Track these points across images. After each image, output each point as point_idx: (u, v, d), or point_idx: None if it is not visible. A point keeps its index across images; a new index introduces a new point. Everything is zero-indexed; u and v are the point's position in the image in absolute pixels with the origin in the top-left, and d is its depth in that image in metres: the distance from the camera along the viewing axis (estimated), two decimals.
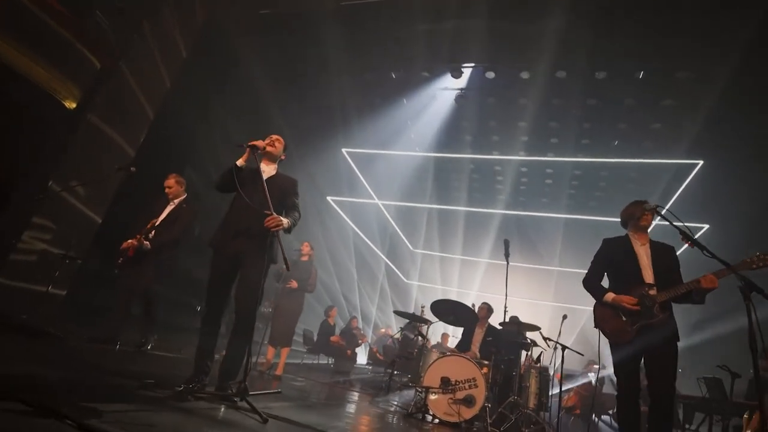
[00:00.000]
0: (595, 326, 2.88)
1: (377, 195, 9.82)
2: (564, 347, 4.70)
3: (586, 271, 3.07)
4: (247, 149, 2.97)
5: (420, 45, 7.42)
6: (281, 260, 2.91)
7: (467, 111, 8.77)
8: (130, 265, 4.00)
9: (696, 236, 7.11)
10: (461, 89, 8.49)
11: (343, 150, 8.71)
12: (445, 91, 8.69)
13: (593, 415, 7.33)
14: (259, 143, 3.01)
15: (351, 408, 4.17)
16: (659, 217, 2.96)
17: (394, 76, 8.30)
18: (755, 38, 5.25)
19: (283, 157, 3.22)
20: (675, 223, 2.59)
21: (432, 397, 4.25)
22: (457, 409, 4.10)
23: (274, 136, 3.17)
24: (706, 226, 6.87)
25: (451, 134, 9.38)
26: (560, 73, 7.29)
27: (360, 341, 8.55)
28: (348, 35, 6.92)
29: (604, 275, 3.02)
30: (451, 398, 4.18)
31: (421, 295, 10.70)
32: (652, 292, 2.72)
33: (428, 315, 5.47)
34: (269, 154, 3.10)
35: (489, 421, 4.09)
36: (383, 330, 8.69)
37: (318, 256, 8.81)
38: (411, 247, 12.95)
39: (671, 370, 2.56)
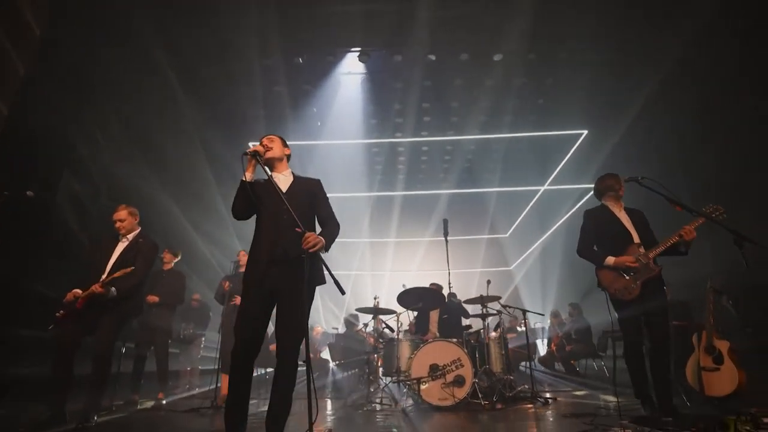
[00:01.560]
0: (601, 288, 3.17)
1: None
2: (525, 311, 5.11)
3: (577, 243, 3.34)
4: (249, 158, 2.47)
5: (326, 28, 7.07)
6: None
7: (373, 95, 8.72)
8: (75, 320, 3.03)
9: (587, 196, 8.25)
10: (365, 73, 8.40)
11: (251, 144, 7.86)
12: (349, 76, 8.50)
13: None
14: (260, 148, 2.53)
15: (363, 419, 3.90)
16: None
17: (301, 61, 7.81)
18: (623, 18, 6.18)
19: (287, 152, 2.74)
20: (660, 191, 2.90)
21: (423, 386, 4.24)
22: (450, 392, 4.18)
23: (265, 139, 2.67)
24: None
25: (357, 119, 9.26)
26: (463, 56, 7.70)
27: None
28: (252, 18, 6.17)
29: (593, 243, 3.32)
30: (442, 383, 4.23)
31: (353, 285, 10.50)
32: (641, 250, 3.09)
33: (387, 306, 5.40)
34: (272, 159, 2.62)
35: (480, 395, 4.25)
36: (318, 329, 8.32)
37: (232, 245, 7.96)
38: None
39: (667, 315, 2.97)
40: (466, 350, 4.41)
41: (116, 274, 3.15)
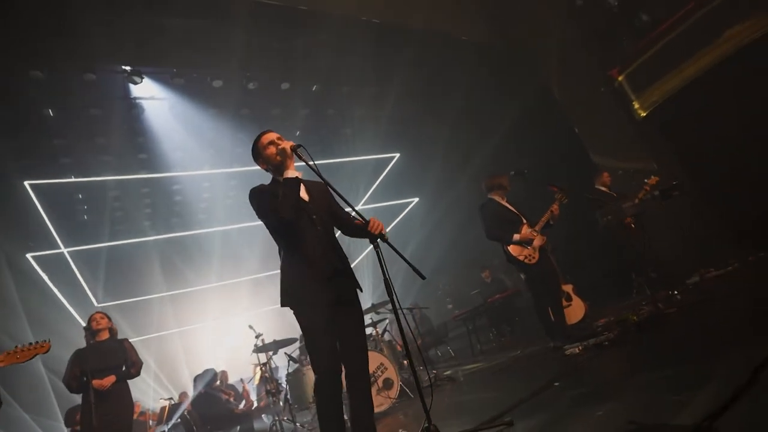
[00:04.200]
0: (510, 261, 3.99)
1: (70, 239, 6.74)
2: (411, 308, 5.61)
3: (484, 230, 4.12)
4: (291, 152, 2.19)
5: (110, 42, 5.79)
6: None
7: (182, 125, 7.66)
8: None
9: (408, 207, 9.74)
10: (154, 98, 7.30)
11: (26, 183, 5.54)
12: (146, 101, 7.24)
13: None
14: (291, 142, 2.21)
15: None
16: None
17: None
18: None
19: None
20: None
21: None
22: (385, 396, 4.28)
23: (275, 135, 2.37)
24: (417, 199, 9.55)
25: (156, 153, 7.83)
26: (284, 85, 7.80)
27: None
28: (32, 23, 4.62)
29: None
30: (376, 390, 4.28)
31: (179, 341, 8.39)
32: (529, 227, 4.10)
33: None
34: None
35: (407, 390, 4.50)
36: (138, 406, 6.32)
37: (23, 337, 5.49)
38: (95, 302, 9.81)
39: (556, 270, 4.05)
40: (385, 353, 4.58)
41: None
